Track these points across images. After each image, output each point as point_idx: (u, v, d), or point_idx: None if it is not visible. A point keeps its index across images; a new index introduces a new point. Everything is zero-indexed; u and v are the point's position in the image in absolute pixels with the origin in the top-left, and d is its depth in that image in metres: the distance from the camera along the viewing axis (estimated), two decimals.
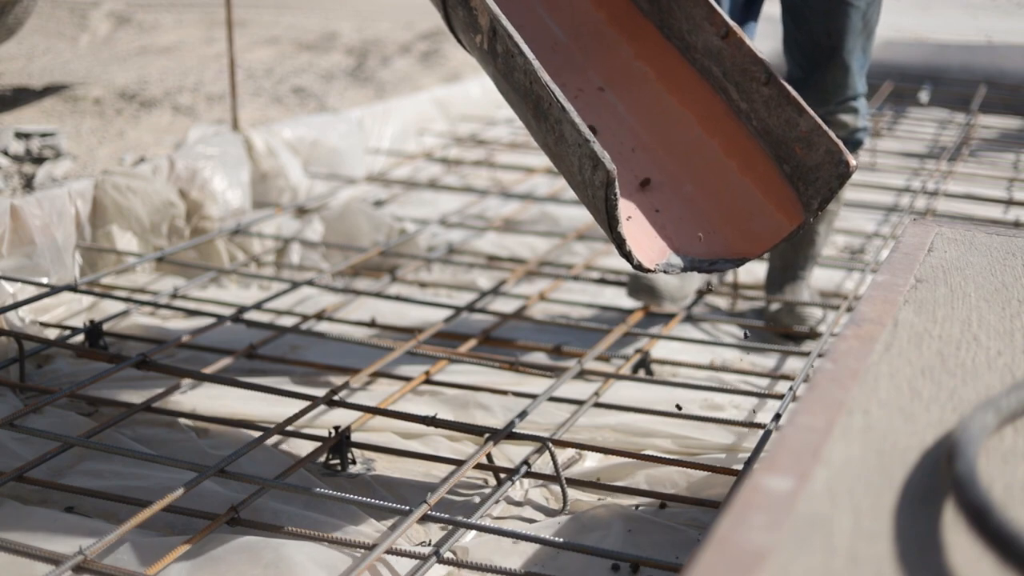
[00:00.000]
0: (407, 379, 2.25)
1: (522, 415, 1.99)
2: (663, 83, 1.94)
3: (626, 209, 1.75)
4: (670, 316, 2.67)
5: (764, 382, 2.35)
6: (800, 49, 2.52)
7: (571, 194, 3.78)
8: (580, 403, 2.13)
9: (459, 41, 1.87)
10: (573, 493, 1.86)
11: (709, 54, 1.88)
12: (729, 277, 2.96)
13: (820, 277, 2.99)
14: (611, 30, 2.00)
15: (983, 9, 8.29)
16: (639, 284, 2.62)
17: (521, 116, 1.74)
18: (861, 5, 2.44)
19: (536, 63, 1.64)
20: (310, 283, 2.73)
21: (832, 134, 1.71)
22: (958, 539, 0.80)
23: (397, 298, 2.68)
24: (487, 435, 1.91)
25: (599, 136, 1.85)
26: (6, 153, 3.51)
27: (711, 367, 2.40)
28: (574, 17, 2.04)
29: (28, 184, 3.25)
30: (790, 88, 1.77)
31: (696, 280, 2.71)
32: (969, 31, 7.12)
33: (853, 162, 1.69)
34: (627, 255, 1.60)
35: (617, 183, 1.55)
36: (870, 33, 2.51)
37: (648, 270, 1.64)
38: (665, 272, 1.68)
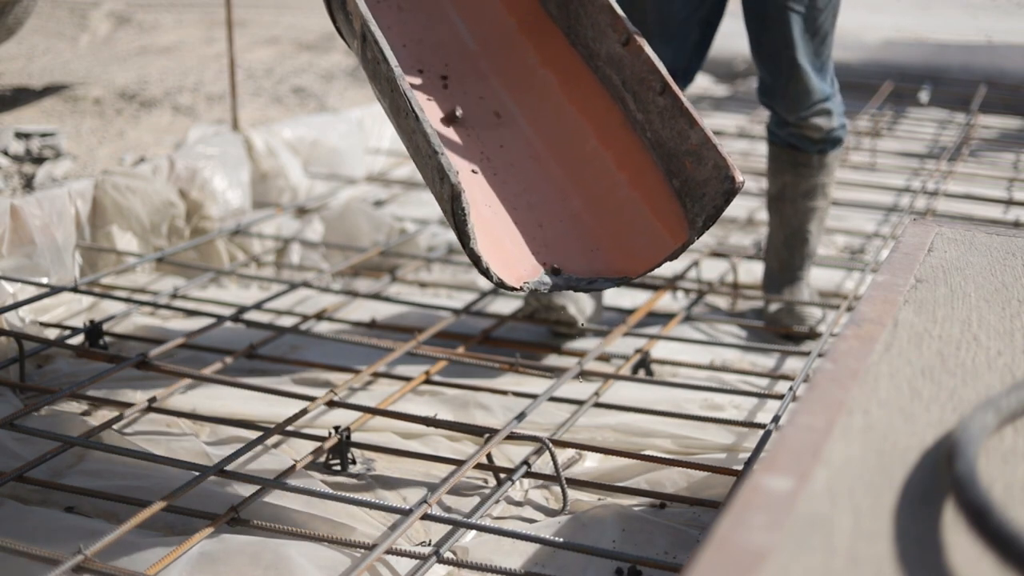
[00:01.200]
0: (407, 379, 2.25)
1: (522, 415, 1.99)
2: (565, 92, 1.90)
3: (504, 224, 1.72)
4: (670, 316, 2.67)
5: (764, 382, 2.35)
6: (765, 59, 2.52)
7: None
8: (580, 403, 2.13)
9: (346, 44, 1.86)
10: (573, 493, 1.86)
11: (611, 62, 1.84)
12: (729, 277, 2.96)
13: (820, 277, 2.99)
14: (520, 36, 1.97)
15: (983, 9, 8.28)
16: (540, 301, 2.52)
17: (391, 122, 1.71)
18: (803, 10, 2.43)
19: (398, 71, 1.62)
20: (306, 284, 2.73)
21: (722, 150, 1.65)
22: (958, 539, 0.80)
23: (396, 300, 2.68)
24: (487, 435, 1.91)
25: (499, 149, 1.83)
26: (6, 153, 3.51)
27: (711, 367, 2.40)
28: (485, 23, 2.01)
29: (28, 184, 3.24)
30: (684, 99, 1.72)
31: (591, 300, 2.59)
32: (969, 31, 7.11)
33: (740, 178, 1.63)
34: (485, 272, 1.55)
35: (465, 197, 1.50)
36: (824, 36, 2.48)
37: (512, 288, 1.59)
38: (535, 290, 1.63)
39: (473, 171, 1.78)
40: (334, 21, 1.85)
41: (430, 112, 1.84)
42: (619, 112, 1.83)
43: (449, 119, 1.87)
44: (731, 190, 1.63)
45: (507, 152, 1.84)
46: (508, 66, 1.97)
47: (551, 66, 1.93)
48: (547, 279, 1.65)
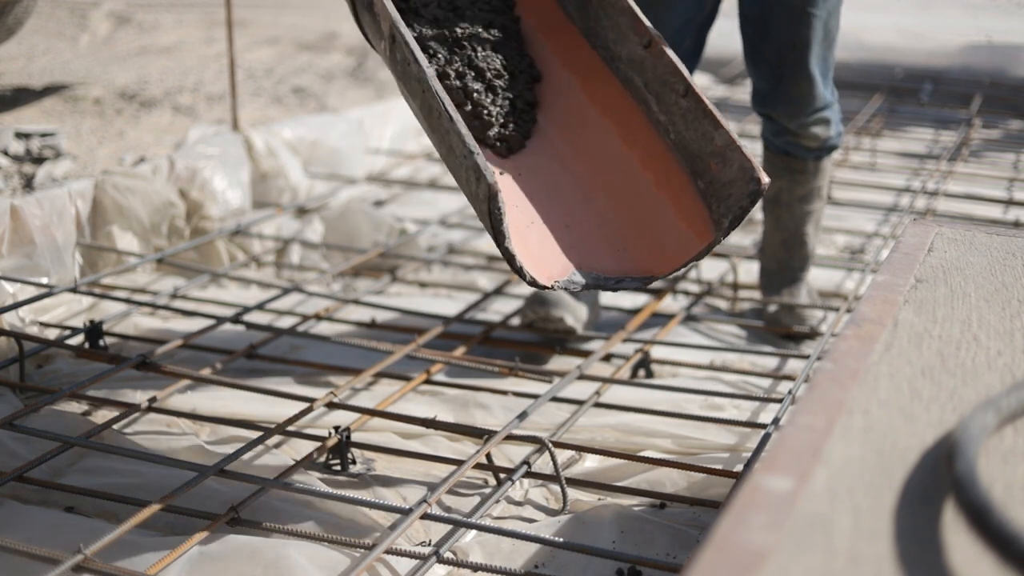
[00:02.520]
0: (407, 379, 2.25)
1: (522, 415, 1.99)
2: (587, 93, 1.91)
3: (532, 223, 1.73)
4: (670, 317, 2.67)
5: (764, 382, 2.35)
6: (765, 61, 2.49)
7: None
8: (580, 403, 2.13)
9: (371, 45, 1.87)
10: (573, 493, 1.86)
11: (632, 64, 1.85)
12: (729, 277, 2.96)
13: (820, 277, 2.99)
14: (539, 37, 1.97)
15: (983, 9, 8.29)
16: (537, 297, 2.53)
17: (421, 124, 1.73)
18: (822, 14, 2.41)
19: (429, 71, 1.63)
20: (298, 289, 2.73)
21: (747, 151, 1.67)
22: (958, 539, 0.80)
23: (392, 308, 2.68)
24: (487, 435, 1.91)
25: (523, 150, 1.84)
26: (6, 153, 3.51)
27: (711, 367, 2.40)
28: None
29: (28, 184, 3.25)
30: (708, 101, 1.73)
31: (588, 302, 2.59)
32: (969, 31, 7.12)
33: (765, 179, 1.65)
34: (519, 271, 1.56)
35: (501, 197, 1.52)
36: (832, 42, 2.47)
37: (544, 287, 1.60)
38: (566, 289, 1.64)
39: (500, 172, 1.78)
40: (359, 22, 1.84)
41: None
42: (641, 114, 1.84)
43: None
44: (757, 191, 1.65)
45: (531, 153, 1.85)
46: None
47: (572, 67, 1.94)
48: (578, 278, 1.67)
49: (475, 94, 1.82)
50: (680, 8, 2.41)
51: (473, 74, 1.84)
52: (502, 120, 1.83)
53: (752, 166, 1.66)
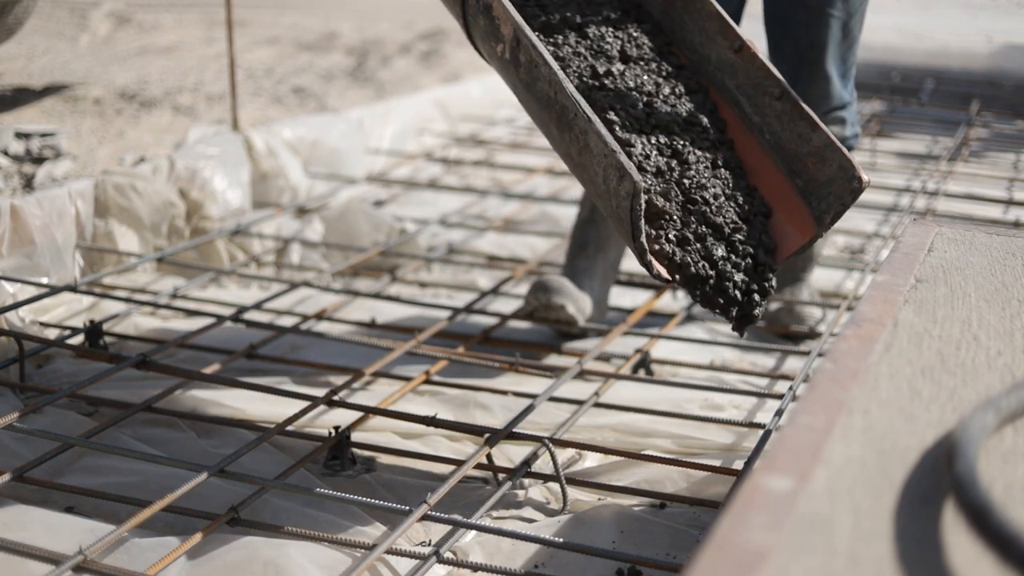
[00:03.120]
0: (407, 379, 2.25)
1: (522, 415, 1.99)
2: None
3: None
4: (670, 316, 2.67)
5: (764, 382, 2.35)
6: (785, 60, 2.51)
7: (571, 194, 3.79)
8: (580, 403, 2.13)
9: (477, 50, 1.88)
10: (573, 493, 1.86)
11: (722, 67, 1.91)
12: None
13: (820, 277, 2.99)
14: None
15: (983, 9, 8.29)
16: (540, 285, 2.51)
17: (541, 125, 1.75)
18: (841, 15, 2.43)
19: (561, 74, 1.66)
20: (307, 284, 2.73)
21: (845, 150, 1.75)
22: (958, 539, 0.80)
23: (397, 299, 2.68)
24: (487, 435, 1.91)
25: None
26: (6, 153, 3.51)
27: (711, 367, 2.40)
28: None
29: (28, 184, 3.24)
30: (803, 104, 1.80)
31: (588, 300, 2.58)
32: (969, 31, 7.12)
33: (866, 178, 1.73)
34: (647, 264, 1.61)
35: (643, 195, 1.56)
36: (852, 42, 2.49)
37: (667, 280, 1.66)
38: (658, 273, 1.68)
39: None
40: (467, 27, 1.85)
41: None
42: (734, 115, 1.90)
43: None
44: (858, 189, 1.75)
45: None
46: None
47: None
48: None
49: (720, 262, 1.70)
50: None
51: (710, 231, 1.72)
52: (743, 289, 1.71)
53: (852, 165, 1.74)
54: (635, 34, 1.97)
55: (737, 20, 2.51)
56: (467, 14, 1.83)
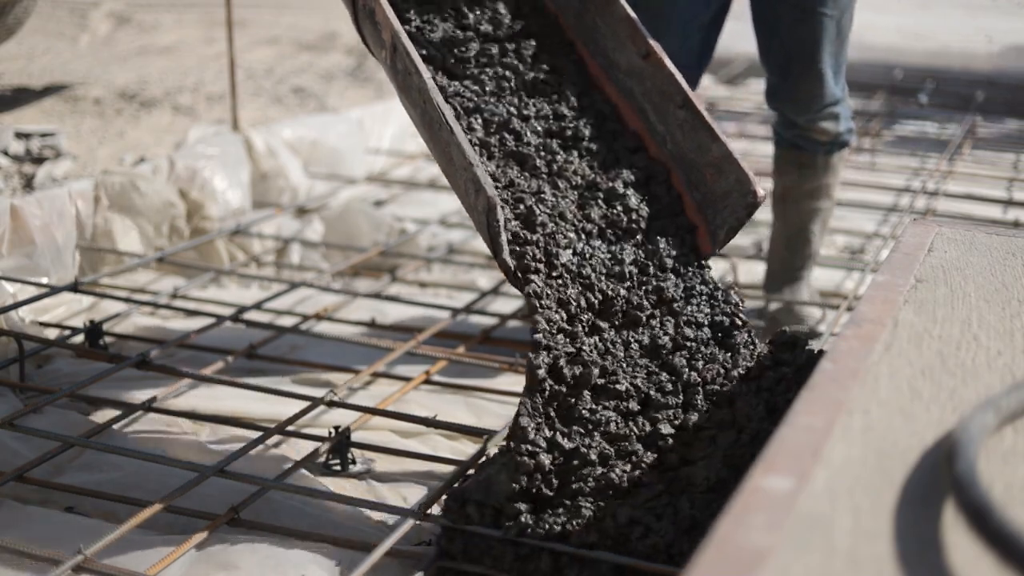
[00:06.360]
0: (407, 379, 2.25)
1: None
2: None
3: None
4: None
5: None
6: (775, 57, 2.51)
7: None
8: None
9: (370, 51, 1.87)
10: None
11: (631, 73, 1.87)
12: (729, 277, 2.96)
13: (820, 277, 2.99)
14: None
15: (983, 9, 8.29)
16: None
17: (420, 134, 1.73)
18: (834, 14, 2.43)
19: (431, 83, 1.64)
20: (307, 284, 2.73)
21: (743, 164, 1.70)
22: (958, 539, 0.80)
23: (397, 299, 2.67)
24: (486, 435, 1.91)
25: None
26: (6, 153, 3.51)
27: None
28: None
29: (28, 184, 3.25)
30: (706, 113, 1.76)
31: None
32: (969, 31, 7.12)
33: (761, 192, 1.67)
34: (514, 282, 1.57)
35: (499, 209, 1.52)
36: (844, 40, 2.49)
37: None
38: None
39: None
40: (360, 30, 1.85)
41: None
42: (640, 122, 1.87)
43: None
44: (753, 203, 1.68)
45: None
46: None
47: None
48: None
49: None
50: (685, 6, 2.41)
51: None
52: None
53: (748, 179, 1.68)
54: (524, 47, 1.93)
55: (721, 20, 2.51)
56: (358, 17, 1.82)
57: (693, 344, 1.62)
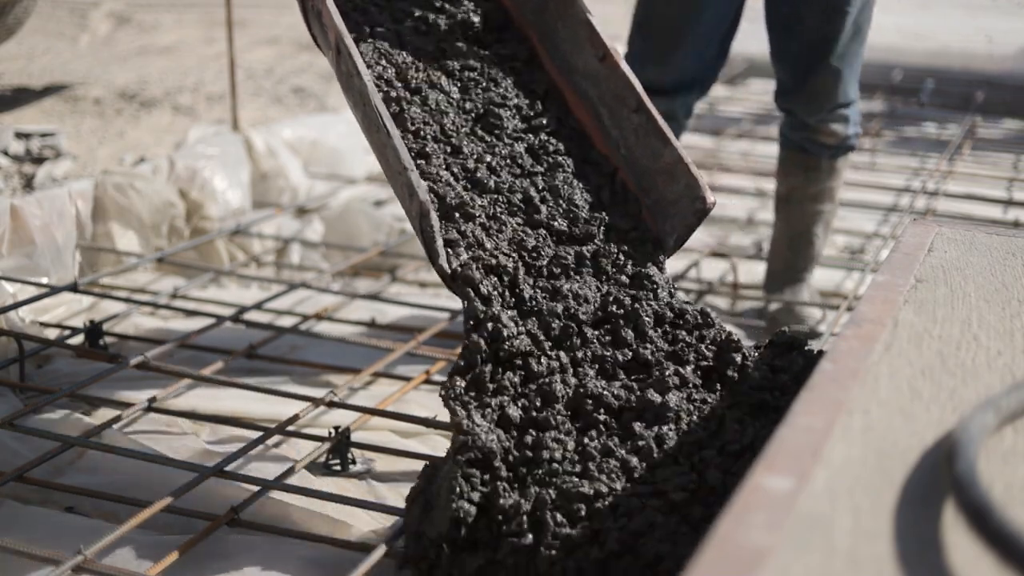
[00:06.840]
0: (407, 379, 2.25)
1: None
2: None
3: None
4: None
5: None
6: (792, 57, 2.51)
7: None
8: None
9: (320, 48, 1.87)
10: None
11: (588, 76, 1.86)
12: (729, 277, 2.96)
13: (820, 277, 2.99)
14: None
15: (983, 9, 8.29)
16: None
17: (364, 135, 1.72)
18: (853, 11, 2.44)
19: (371, 86, 1.64)
20: (306, 284, 2.73)
21: (694, 170, 1.68)
22: (958, 539, 0.80)
23: (396, 301, 2.67)
24: None
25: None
26: (6, 153, 3.52)
27: None
28: None
29: (28, 184, 3.25)
30: (659, 118, 1.74)
31: None
32: (969, 31, 7.12)
33: (711, 199, 1.65)
34: (453, 289, 1.56)
35: (433, 215, 1.51)
36: (862, 39, 2.50)
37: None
38: None
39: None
40: (310, 30, 1.86)
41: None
42: (596, 127, 1.85)
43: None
44: (702, 210, 1.65)
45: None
46: None
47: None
48: None
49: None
50: (708, 18, 2.42)
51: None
52: None
53: (698, 184, 1.66)
54: (475, 50, 1.93)
55: (736, 24, 2.52)
56: (308, 17, 1.83)
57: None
